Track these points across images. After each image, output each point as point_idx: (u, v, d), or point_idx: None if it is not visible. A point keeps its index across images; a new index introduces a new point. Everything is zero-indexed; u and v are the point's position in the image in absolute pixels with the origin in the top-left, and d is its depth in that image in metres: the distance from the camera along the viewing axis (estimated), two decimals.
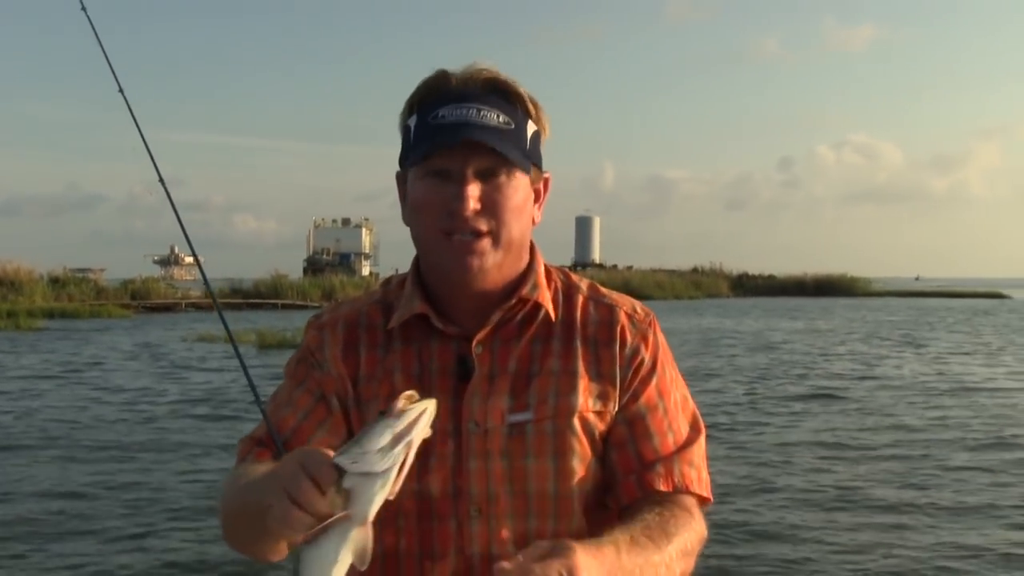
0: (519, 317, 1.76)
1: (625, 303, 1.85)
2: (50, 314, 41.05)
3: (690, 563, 1.69)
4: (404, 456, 1.37)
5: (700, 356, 25.12)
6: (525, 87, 1.75)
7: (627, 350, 1.78)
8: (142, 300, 48.31)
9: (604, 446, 1.76)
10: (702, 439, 1.82)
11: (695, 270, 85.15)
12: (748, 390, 18.42)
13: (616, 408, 1.76)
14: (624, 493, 1.74)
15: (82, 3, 2.83)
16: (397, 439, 1.35)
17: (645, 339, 1.80)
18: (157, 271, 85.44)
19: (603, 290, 1.87)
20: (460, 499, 1.70)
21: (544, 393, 1.71)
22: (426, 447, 1.58)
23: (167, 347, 27.05)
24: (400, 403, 1.37)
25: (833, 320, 44.48)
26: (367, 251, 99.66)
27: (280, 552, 1.58)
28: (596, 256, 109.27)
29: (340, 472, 1.34)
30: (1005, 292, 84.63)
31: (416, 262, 1.82)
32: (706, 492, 1.80)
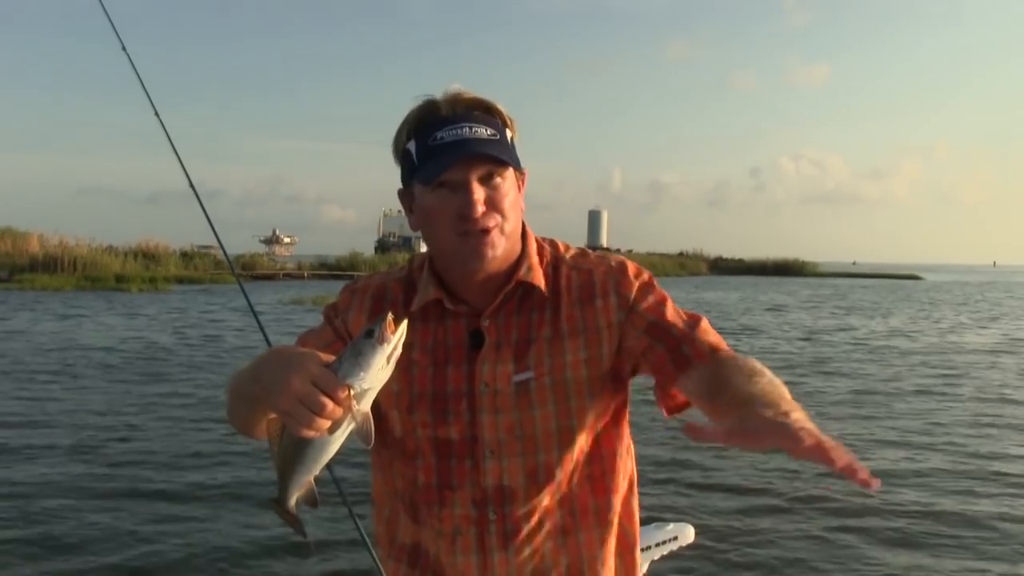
0: (518, 295, 1.70)
1: (600, 265, 1.75)
2: (180, 280, 42.49)
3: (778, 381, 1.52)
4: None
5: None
6: (502, 104, 1.68)
7: (612, 296, 1.70)
8: (249, 271, 49.16)
9: (631, 361, 1.69)
10: (707, 320, 1.71)
11: (681, 254, 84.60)
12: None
13: (615, 341, 1.69)
14: (668, 383, 1.64)
15: (122, 43, 2.92)
16: (390, 358, 1.36)
17: (623, 279, 1.72)
18: (262, 248, 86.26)
19: (585, 257, 1.78)
20: (476, 443, 1.66)
21: (540, 355, 1.67)
22: (444, 405, 1.66)
23: (265, 306, 28.41)
24: (387, 326, 1.36)
25: (788, 292, 45.52)
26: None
27: (262, 430, 1.57)
28: (604, 242, 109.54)
29: (349, 386, 1.33)
30: (920, 275, 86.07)
31: (430, 255, 1.76)
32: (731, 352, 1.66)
